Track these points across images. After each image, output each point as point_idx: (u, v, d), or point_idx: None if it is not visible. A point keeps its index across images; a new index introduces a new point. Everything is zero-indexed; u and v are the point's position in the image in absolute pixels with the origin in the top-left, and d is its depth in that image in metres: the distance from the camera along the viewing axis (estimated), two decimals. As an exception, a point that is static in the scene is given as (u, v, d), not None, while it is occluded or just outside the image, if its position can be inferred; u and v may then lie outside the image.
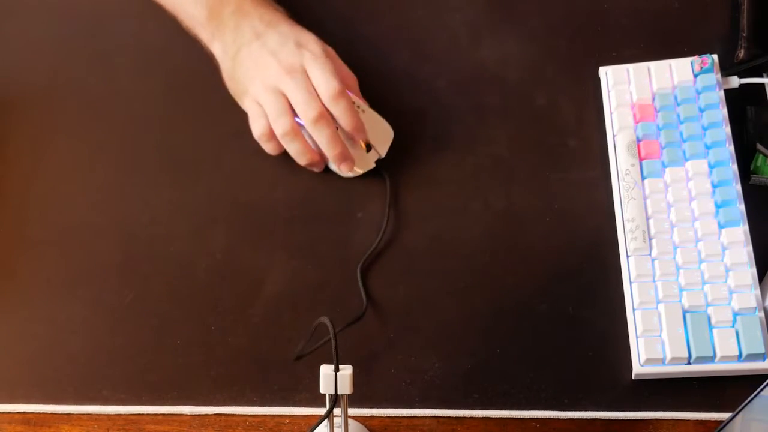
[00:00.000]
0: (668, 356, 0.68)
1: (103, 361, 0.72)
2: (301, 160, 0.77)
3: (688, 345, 0.68)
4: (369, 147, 0.77)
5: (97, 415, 0.71)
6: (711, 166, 0.74)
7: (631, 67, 0.79)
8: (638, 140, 0.76)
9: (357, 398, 0.69)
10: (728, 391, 0.68)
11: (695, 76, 0.77)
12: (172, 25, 0.81)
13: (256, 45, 0.76)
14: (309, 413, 0.70)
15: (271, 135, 0.76)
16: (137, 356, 0.72)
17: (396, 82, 0.82)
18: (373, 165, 0.78)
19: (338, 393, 0.57)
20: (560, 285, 0.73)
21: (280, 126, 0.75)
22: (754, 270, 0.70)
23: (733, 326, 0.68)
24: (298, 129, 0.75)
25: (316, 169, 0.78)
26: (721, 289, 0.69)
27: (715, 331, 0.68)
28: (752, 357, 0.67)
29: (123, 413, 0.70)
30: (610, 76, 0.79)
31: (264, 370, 0.71)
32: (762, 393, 0.60)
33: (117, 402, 0.71)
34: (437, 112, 0.81)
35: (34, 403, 0.71)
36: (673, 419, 0.68)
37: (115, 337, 0.73)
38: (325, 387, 0.57)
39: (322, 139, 0.75)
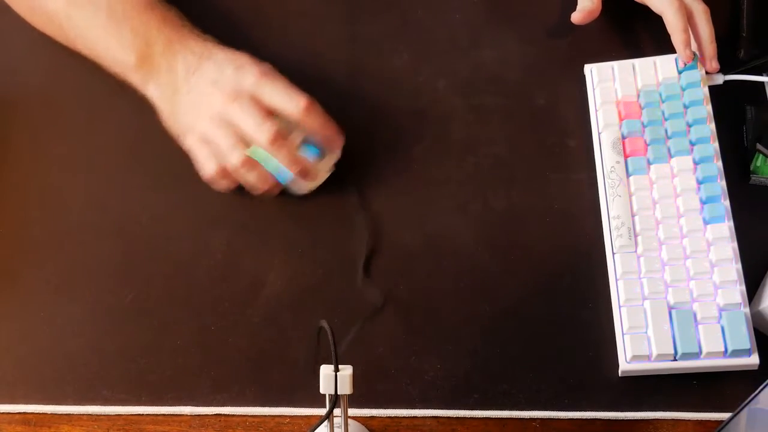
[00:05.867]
0: (654, 353, 0.68)
1: (103, 361, 0.72)
2: (260, 188, 0.75)
3: (674, 341, 0.68)
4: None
5: (97, 415, 0.71)
6: (696, 163, 0.74)
7: (616, 64, 0.79)
8: (623, 137, 0.76)
9: (357, 398, 0.69)
10: (728, 391, 0.68)
11: (680, 72, 0.77)
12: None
13: (193, 80, 0.75)
14: (309, 413, 0.70)
15: (225, 172, 0.75)
16: (137, 356, 0.72)
17: (396, 82, 0.82)
18: (326, 176, 0.76)
19: (338, 393, 0.57)
20: (560, 284, 0.73)
21: (236, 158, 0.73)
22: (739, 266, 0.70)
23: (719, 322, 0.68)
24: (252, 159, 0.74)
25: (271, 194, 0.76)
26: (707, 285, 0.69)
27: (700, 327, 0.68)
28: (738, 353, 0.67)
29: (123, 413, 0.70)
30: (594, 73, 0.79)
31: (264, 370, 0.71)
32: (762, 393, 0.60)
33: (117, 402, 0.71)
34: (437, 112, 0.81)
35: (34, 403, 0.71)
36: (672, 419, 0.68)
37: (115, 337, 0.73)
38: (325, 387, 0.57)
39: (283, 158, 0.73)
